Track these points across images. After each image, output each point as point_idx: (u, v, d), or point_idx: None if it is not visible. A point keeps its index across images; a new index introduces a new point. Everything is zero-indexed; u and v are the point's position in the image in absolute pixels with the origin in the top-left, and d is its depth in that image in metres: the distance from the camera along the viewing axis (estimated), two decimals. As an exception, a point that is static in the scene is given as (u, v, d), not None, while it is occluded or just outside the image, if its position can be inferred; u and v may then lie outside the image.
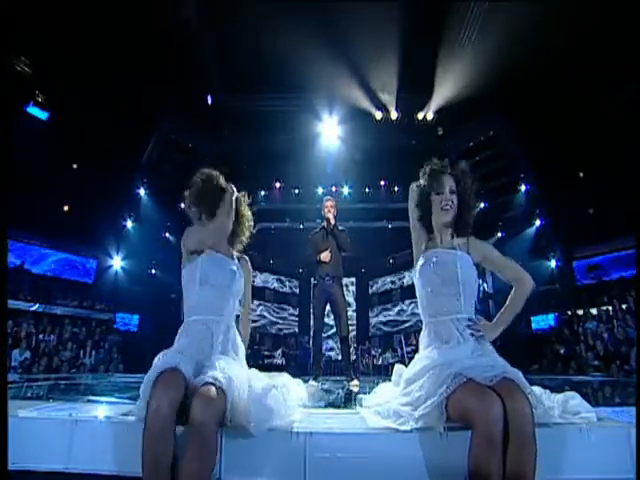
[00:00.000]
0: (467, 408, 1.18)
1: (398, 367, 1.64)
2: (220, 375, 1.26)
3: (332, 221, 3.95)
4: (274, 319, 14.10)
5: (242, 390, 1.32)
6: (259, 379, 1.44)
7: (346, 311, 3.98)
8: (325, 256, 3.85)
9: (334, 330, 11.47)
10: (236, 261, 1.70)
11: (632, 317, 7.56)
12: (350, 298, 13.86)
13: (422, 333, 1.57)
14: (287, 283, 14.81)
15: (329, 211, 3.99)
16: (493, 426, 1.13)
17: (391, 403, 1.44)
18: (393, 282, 14.33)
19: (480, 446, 1.13)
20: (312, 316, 4.16)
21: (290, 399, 1.45)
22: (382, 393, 1.62)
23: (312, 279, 4.02)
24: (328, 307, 3.97)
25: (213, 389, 1.21)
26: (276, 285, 14.45)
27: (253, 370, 1.53)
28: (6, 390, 1.34)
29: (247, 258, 1.76)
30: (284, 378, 1.54)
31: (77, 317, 10.22)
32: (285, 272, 14.54)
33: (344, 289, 4.05)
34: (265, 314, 13.81)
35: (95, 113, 9.72)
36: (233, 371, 1.34)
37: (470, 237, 1.62)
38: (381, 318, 14.46)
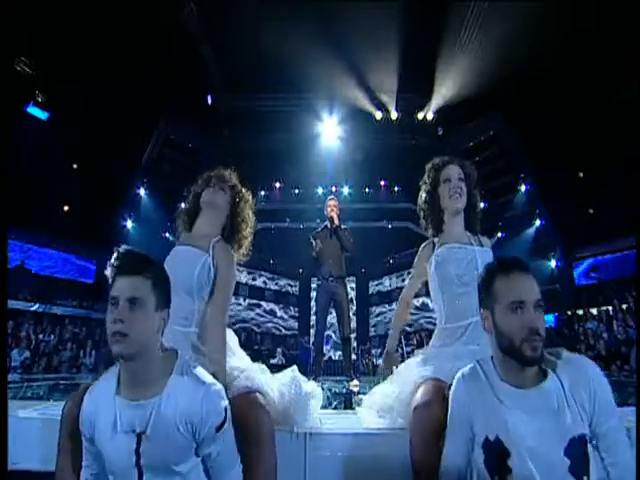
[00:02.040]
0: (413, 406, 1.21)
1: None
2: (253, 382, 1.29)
3: (336, 221, 3.93)
4: (274, 319, 14.10)
5: (282, 392, 1.35)
6: (303, 381, 1.45)
7: (349, 311, 3.96)
8: (316, 245, 3.87)
9: (334, 330, 11.49)
10: (210, 251, 1.41)
11: (632, 317, 7.56)
12: (350, 298, 13.86)
13: (435, 338, 1.54)
14: (287, 283, 14.80)
15: (332, 210, 3.96)
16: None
17: (390, 403, 1.45)
18: (393, 282, 14.32)
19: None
20: (315, 316, 4.14)
21: (318, 402, 1.48)
22: (381, 393, 1.62)
23: (316, 279, 4.00)
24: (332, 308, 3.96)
25: (259, 396, 1.23)
26: (276, 285, 14.45)
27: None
28: (6, 390, 1.34)
29: (224, 245, 1.45)
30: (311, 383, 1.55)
31: (77, 317, 10.22)
32: (285, 272, 14.52)
33: (347, 289, 4.04)
34: (265, 314, 13.81)
35: (95, 113, 9.72)
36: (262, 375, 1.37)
37: (481, 235, 1.60)
38: (381, 318, 14.46)
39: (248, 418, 1.15)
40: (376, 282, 14.88)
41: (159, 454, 0.93)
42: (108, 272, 0.98)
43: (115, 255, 0.98)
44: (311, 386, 1.47)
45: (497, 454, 0.93)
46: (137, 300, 0.93)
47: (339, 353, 11.67)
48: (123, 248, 1.01)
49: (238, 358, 1.46)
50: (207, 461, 1.00)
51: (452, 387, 1.07)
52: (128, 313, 0.92)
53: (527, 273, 1.00)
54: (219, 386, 1.02)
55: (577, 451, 0.89)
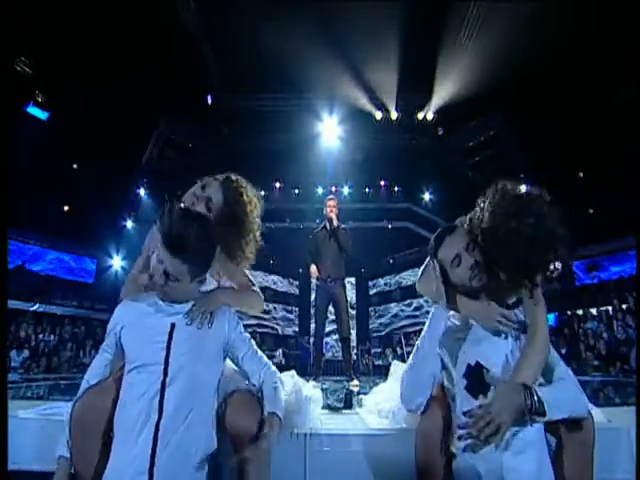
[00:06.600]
0: None
1: (396, 363, 1.64)
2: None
3: (334, 222, 3.90)
4: (274, 319, 14.10)
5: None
6: (302, 384, 1.43)
7: (348, 312, 3.95)
8: (314, 272, 3.84)
9: (334, 330, 11.50)
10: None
11: (632, 317, 7.56)
12: (350, 298, 13.85)
13: None
14: (287, 283, 14.80)
15: (331, 211, 3.90)
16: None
17: (390, 403, 1.44)
18: (393, 282, 14.32)
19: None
20: (313, 317, 4.14)
21: (318, 405, 1.47)
22: (382, 393, 1.62)
23: (314, 280, 3.98)
24: (330, 308, 3.95)
25: (251, 397, 1.21)
26: (276, 285, 14.44)
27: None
28: (6, 390, 1.33)
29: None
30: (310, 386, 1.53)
31: (77, 317, 10.23)
32: (285, 272, 14.52)
33: (346, 290, 4.03)
34: (265, 314, 13.81)
35: (95, 113, 9.73)
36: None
37: None
38: (381, 318, 14.46)
39: (242, 418, 1.13)
40: (376, 282, 14.88)
41: (188, 344, 1.15)
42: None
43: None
44: (311, 389, 1.47)
45: (479, 376, 1.11)
46: None
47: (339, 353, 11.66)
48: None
49: None
50: (237, 362, 1.24)
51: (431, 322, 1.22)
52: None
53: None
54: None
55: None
